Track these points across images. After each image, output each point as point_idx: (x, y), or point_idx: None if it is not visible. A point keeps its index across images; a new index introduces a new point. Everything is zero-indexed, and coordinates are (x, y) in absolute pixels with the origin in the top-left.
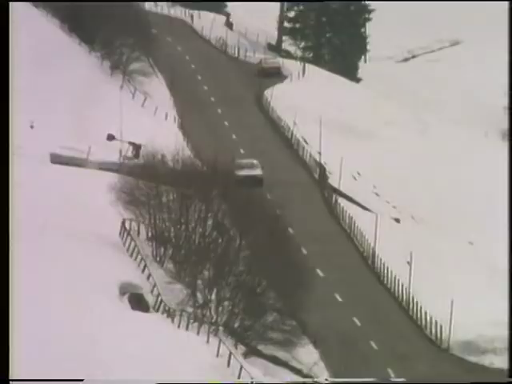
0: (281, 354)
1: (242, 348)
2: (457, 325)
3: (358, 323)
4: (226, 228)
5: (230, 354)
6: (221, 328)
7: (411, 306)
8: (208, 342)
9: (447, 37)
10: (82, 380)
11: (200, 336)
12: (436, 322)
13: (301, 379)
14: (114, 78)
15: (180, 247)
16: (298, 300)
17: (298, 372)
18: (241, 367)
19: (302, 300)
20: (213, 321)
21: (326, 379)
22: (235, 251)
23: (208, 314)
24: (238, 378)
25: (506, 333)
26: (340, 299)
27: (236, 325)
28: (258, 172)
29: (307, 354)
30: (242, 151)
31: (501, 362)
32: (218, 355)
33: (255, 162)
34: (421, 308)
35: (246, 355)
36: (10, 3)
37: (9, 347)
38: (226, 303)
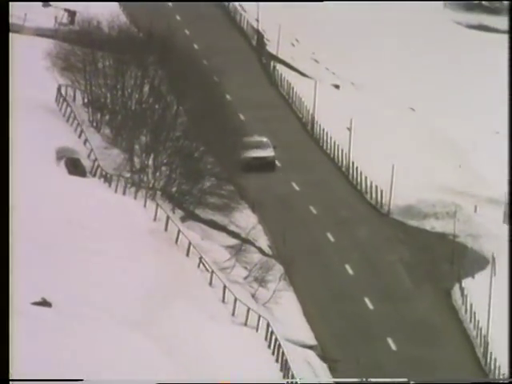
0: (219, 218)
1: (179, 213)
2: (397, 190)
3: (297, 188)
4: (162, 94)
5: (168, 218)
6: (158, 193)
7: (351, 171)
8: (145, 206)
9: None
10: (81, 380)
11: (137, 201)
12: (376, 187)
13: (238, 242)
14: None
15: (116, 113)
16: (235, 165)
17: (236, 236)
18: (178, 231)
19: (239, 165)
20: (150, 186)
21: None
22: (172, 117)
23: (145, 178)
24: (176, 242)
25: (447, 197)
26: (278, 164)
27: (173, 189)
28: (268, 153)
29: (245, 219)
30: (187, 32)
31: (441, 227)
32: (155, 219)
33: (265, 140)
34: (361, 173)
35: (183, 220)
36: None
37: (9, 347)
38: (163, 168)
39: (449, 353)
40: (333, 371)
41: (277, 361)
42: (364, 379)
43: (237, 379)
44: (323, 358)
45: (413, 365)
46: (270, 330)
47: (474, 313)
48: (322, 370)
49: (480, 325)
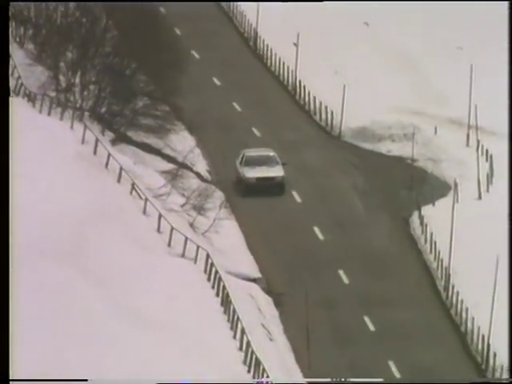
0: (153, 141)
1: (109, 135)
2: (350, 110)
3: (239, 109)
4: (89, 7)
5: (97, 140)
6: (86, 113)
7: (298, 90)
8: (72, 128)
9: None
10: (85, 380)
11: (64, 122)
12: (326, 108)
13: (175, 167)
14: None
15: (41, 27)
16: (171, 84)
17: (172, 160)
18: (108, 155)
19: (175, 84)
20: (77, 106)
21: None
22: (101, 31)
23: (72, 98)
24: (106, 166)
25: (404, 118)
26: (218, 83)
27: (103, 110)
28: (276, 172)
29: (182, 142)
30: None
31: (398, 150)
32: (83, 142)
33: (271, 154)
34: (309, 93)
35: (114, 142)
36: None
37: (9, 347)
38: (91, 87)
39: (407, 286)
40: (278, 306)
41: (217, 295)
42: (339, 379)
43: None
44: (268, 291)
45: (367, 299)
46: (209, 261)
47: (435, 243)
48: (266, 304)
49: (441, 256)
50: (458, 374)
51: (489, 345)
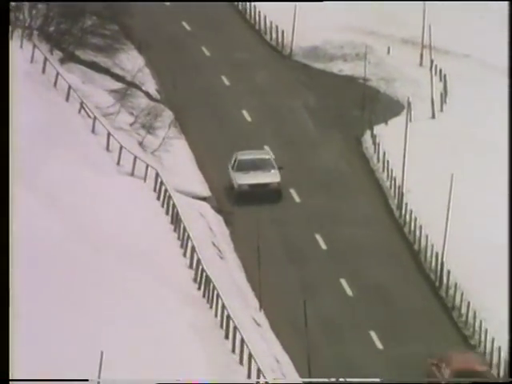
0: (102, 60)
1: (58, 54)
2: (300, 30)
3: (188, 27)
4: None
5: (45, 59)
6: (35, 32)
7: (248, 9)
8: (21, 47)
9: None
10: (86, 380)
11: (13, 41)
12: (277, 27)
13: (123, 86)
14: None
15: None
16: (119, 4)
17: (120, 79)
18: (57, 74)
19: (124, 5)
20: (26, 25)
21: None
22: None
23: (21, 17)
24: (54, 85)
25: (356, 38)
26: (167, 3)
27: (51, 29)
28: (272, 178)
29: (131, 61)
30: None
31: (351, 70)
32: (32, 61)
33: (267, 157)
34: (259, 12)
35: (62, 61)
36: None
37: (9, 347)
38: (39, 6)
39: (359, 204)
40: (229, 224)
41: (167, 213)
42: (337, 379)
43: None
44: (218, 210)
45: (318, 218)
46: (159, 180)
47: (388, 162)
48: (217, 222)
49: (394, 175)
50: (411, 292)
51: (442, 263)
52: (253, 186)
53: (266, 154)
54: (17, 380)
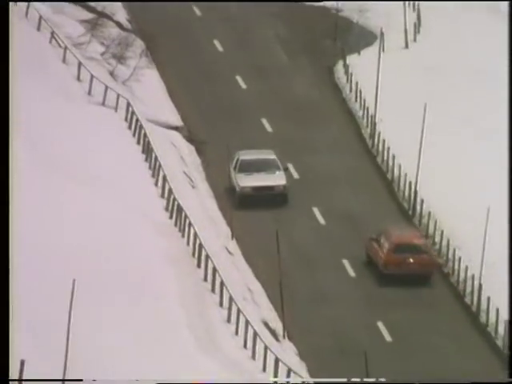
0: None
1: None
2: None
3: None
4: None
5: None
6: None
7: None
8: None
9: None
10: (81, 380)
11: None
12: None
13: (94, 16)
14: None
15: None
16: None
17: (91, 9)
18: (28, 4)
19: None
20: None
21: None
22: None
23: None
24: (26, 16)
25: None
26: None
27: None
28: (277, 180)
29: None
30: None
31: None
32: None
33: (272, 157)
34: None
35: None
36: None
37: (9, 347)
38: None
39: (332, 134)
40: (200, 154)
41: (138, 143)
42: (348, 379)
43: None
44: (190, 139)
45: (290, 147)
46: (130, 110)
47: (360, 91)
48: (188, 152)
49: (367, 104)
50: (385, 221)
51: (416, 191)
52: (256, 189)
53: (271, 154)
54: (17, 380)
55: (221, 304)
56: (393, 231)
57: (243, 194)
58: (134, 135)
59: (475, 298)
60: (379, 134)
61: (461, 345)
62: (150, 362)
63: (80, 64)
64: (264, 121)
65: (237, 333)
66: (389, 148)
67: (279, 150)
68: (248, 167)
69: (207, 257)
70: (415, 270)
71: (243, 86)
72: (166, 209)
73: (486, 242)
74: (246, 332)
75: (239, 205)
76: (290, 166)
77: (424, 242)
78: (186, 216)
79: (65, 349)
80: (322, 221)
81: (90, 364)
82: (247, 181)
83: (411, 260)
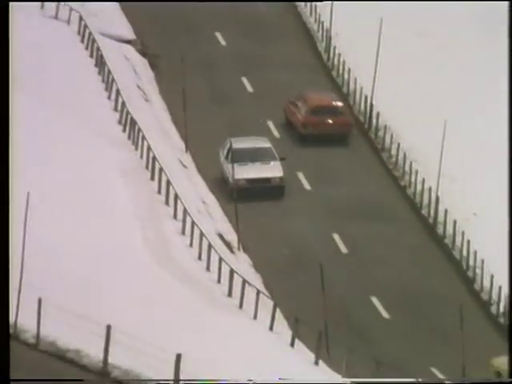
0: None
1: None
2: None
3: None
4: None
5: None
6: None
7: None
8: None
9: None
10: (81, 380)
11: None
12: None
13: None
14: None
15: None
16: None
17: None
18: None
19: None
20: None
21: None
22: None
23: None
24: None
25: None
26: None
27: None
28: (273, 171)
29: None
30: None
31: None
32: None
33: (267, 145)
34: None
35: None
36: None
37: (9, 347)
38: None
39: (286, 48)
40: (154, 67)
41: (91, 56)
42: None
43: None
44: (143, 53)
45: (245, 62)
46: (82, 23)
47: (315, 5)
48: (142, 65)
49: (322, 18)
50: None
51: (371, 105)
52: (252, 181)
53: (266, 142)
54: (17, 380)
55: (175, 216)
56: (311, 94)
57: (237, 187)
58: (86, 48)
59: (432, 211)
60: (334, 47)
61: (416, 256)
62: (103, 273)
63: None
64: (218, 35)
65: (191, 245)
66: (344, 62)
67: (233, 64)
68: (242, 157)
69: (161, 170)
70: (333, 131)
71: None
72: (120, 122)
73: (443, 154)
74: (200, 244)
75: (232, 198)
76: (245, 80)
77: (341, 104)
78: (139, 129)
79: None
80: (276, 134)
81: (47, 272)
82: (242, 172)
83: (329, 121)
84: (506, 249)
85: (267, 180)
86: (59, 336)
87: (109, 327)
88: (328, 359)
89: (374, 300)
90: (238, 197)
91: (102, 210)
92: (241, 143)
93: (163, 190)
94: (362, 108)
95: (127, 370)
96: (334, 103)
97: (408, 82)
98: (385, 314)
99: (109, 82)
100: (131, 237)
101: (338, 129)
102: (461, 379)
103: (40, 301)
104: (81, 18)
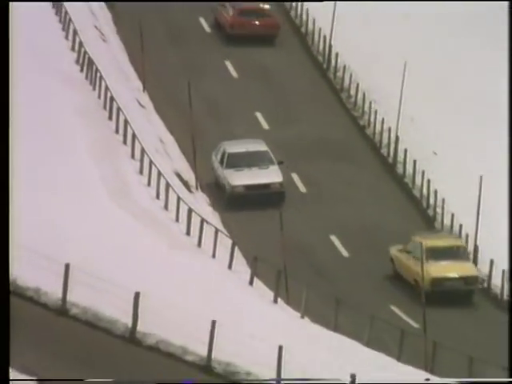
0: None
1: None
2: None
3: None
4: None
5: None
6: None
7: None
8: None
9: None
10: (81, 380)
11: None
12: None
13: None
14: None
15: None
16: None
17: None
18: None
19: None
20: None
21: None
22: None
23: None
24: None
25: None
26: None
27: None
28: (272, 176)
29: None
30: None
31: None
32: None
33: (264, 149)
34: None
35: None
36: None
37: (9, 347)
38: None
39: None
40: (110, 7)
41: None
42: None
43: None
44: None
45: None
46: None
47: None
48: (98, 6)
49: None
50: (299, 76)
51: (330, 45)
52: (250, 188)
53: (261, 144)
54: (17, 380)
55: (133, 156)
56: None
57: (235, 194)
58: None
59: (392, 150)
60: None
61: (375, 195)
62: (61, 212)
63: None
64: None
65: (149, 184)
66: (307, 12)
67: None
68: (238, 162)
69: (118, 109)
70: (259, 31)
71: None
72: (77, 62)
73: (402, 94)
74: (158, 183)
75: (229, 206)
76: (202, 21)
77: (268, 6)
78: (97, 69)
79: None
80: (234, 74)
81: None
82: (239, 178)
83: (256, 22)
84: (464, 187)
85: (267, 186)
86: (19, 274)
87: (67, 265)
88: (287, 297)
89: (334, 238)
90: (235, 204)
91: (60, 150)
92: (235, 147)
93: (121, 130)
94: (320, 48)
95: (86, 307)
96: (260, 6)
97: (366, 21)
98: (344, 253)
99: (66, 22)
100: (89, 176)
101: (264, 30)
102: (463, 380)
103: None
104: None
